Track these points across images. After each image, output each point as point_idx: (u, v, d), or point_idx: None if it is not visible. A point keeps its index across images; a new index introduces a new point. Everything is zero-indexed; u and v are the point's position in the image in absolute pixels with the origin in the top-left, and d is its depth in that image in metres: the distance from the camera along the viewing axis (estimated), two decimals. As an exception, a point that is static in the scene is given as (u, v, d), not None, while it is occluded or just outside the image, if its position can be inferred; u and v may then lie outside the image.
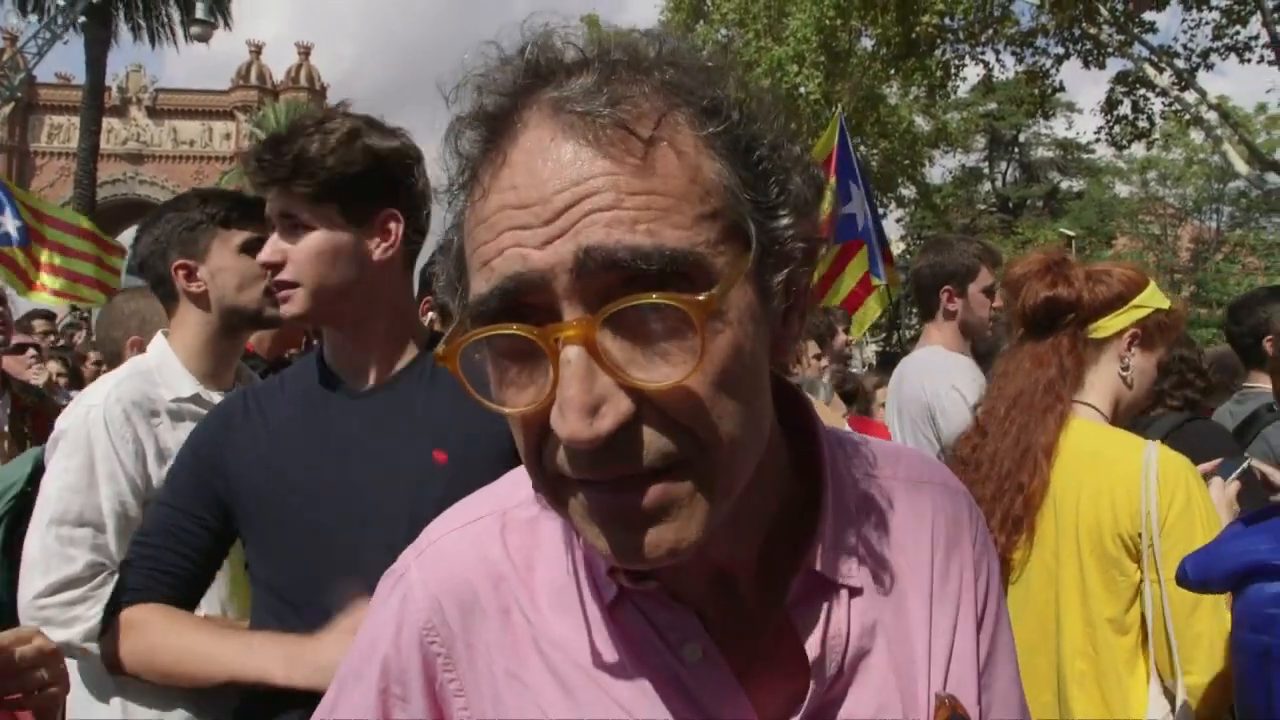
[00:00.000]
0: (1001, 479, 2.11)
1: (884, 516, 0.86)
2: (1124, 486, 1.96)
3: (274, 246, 1.68)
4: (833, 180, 5.88)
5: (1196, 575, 1.58)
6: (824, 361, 4.82)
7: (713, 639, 0.78)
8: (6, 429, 3.54)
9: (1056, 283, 2.16)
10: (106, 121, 30.47)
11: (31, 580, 1.95)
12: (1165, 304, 2.17)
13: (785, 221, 0.69)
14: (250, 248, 2.19)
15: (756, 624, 0.80)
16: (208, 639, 1.63)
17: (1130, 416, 2.25)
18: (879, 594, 0.83)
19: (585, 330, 0.62)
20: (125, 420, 2.05)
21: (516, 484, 0.88)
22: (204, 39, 16.10)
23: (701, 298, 0.62)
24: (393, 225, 1.72)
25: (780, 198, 0.69)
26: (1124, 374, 2.16)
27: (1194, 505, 1.91)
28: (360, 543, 1.59)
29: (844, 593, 0.81)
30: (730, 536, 0.75)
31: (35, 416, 3.54)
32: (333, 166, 1.63)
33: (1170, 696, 1.91)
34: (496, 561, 0.84)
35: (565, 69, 0.68)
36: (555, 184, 0.63)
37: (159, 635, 1.64)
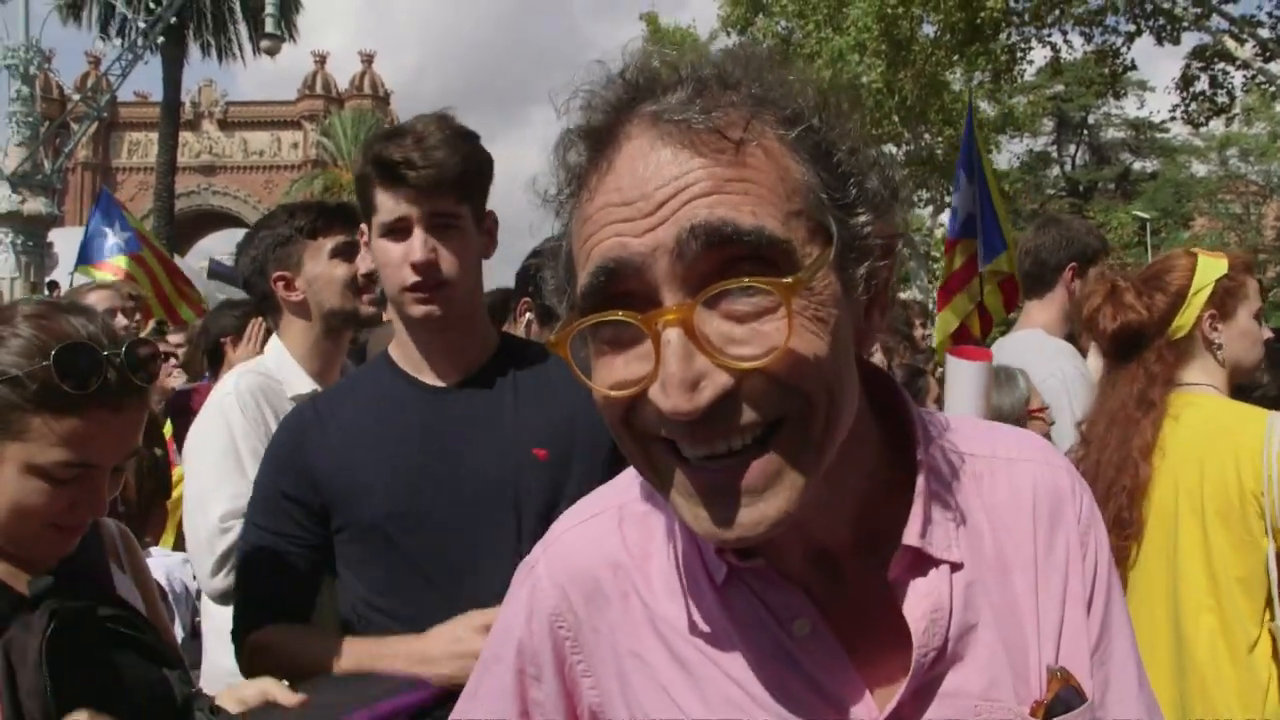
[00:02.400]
0: (1108, 485, 2.18)
1: (982, 493, 0.88)
2: (1248, 450, 2.03)
3: (427, 244, 1.66)
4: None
5: None
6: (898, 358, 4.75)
7: (821, 615, 0.82)
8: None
9: (1116, 314, 2.25)
10: (181, 136, 31.56)
11: (203, 563, 2.12)
12: (1221, 269, 2.22)
13: (863, 219, 0.75)
14: (339, 252, 2.36)
15: (862, 600, 0.83)
16: (324, 653, 1.65)
17: (1251, 375, 2.33)
18: (982, 569, 0.85)
19: (684, 314, 0.68)
20: (255, 405, 2.23)
21: (631, 481, 0.95)
22: (273, 53, 16.56)
23: (789, 280, 0.68)
24: (493, 226, 1.80)
25: (859, 197, 0.75)
26: (1219, 352, 2.21)
27: None
28: (462, 543, 1.62)
29: (945, 567, 0.83)
30: (829, 514, 0.80)
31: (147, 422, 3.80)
32: (470, 168, 1.69)
33: None
34: (615, 551, 0.91)
35: (662, 85, 0.74)
36: (656, 181, 0.70)
37: (284, 656, 1.68)
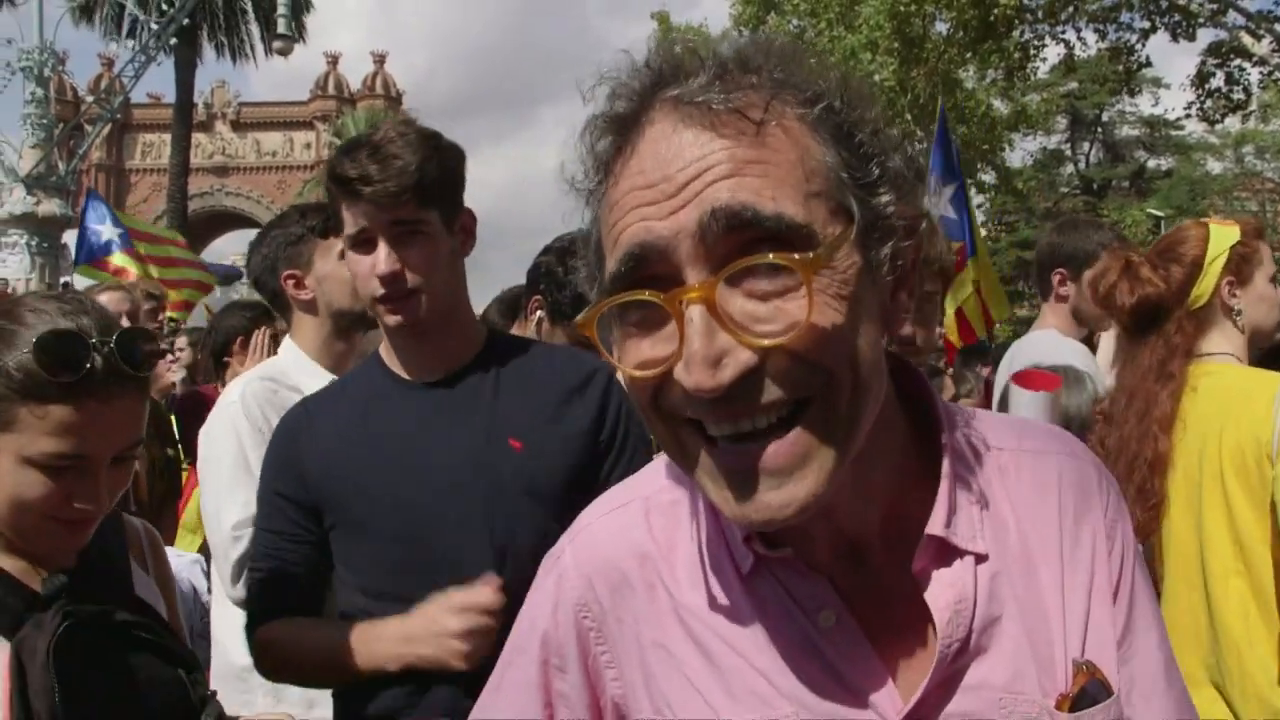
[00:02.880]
0: (1131, 458, 2.20)
1: (1008, 485, 0.87)
2: (1262, 412, 2.05)
3: (390, 257, 1.69)
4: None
5: None
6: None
7: (845, 606, 0.82)
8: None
9: (1134, 289, 2.26)
10: (194, 137, 31.75)
11: (222, 571, 2.17)
12: (1234, 236, 2.23)
13: (885, 199, 0.75)
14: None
15: (887, 591, 0.83)
16: (323, 640, 1.72)
17: (1271, 338, 2.34)
18: (1007, 561, 0.84)
19: (706, 292, 0.69)
20: (261, 413, 2.25)
21: (658, 472, 0.94)
22: (285, 53, 16.65)
23: (810, 255, 0.69)
24: (470, 223, 1.81)
25: (881, 177, 0.75)
26: (1238, 319, 2.23)
27: None
28: (440, 531, 1.66)
29: (969, 559, 0.83)
30: (855, 504, 0.79)
31: (153, 420, 3.85)
32: (430, 173, 1.69)
33: None
34: (641, 542, 0.90)
35: (685, 71, 0.75)
36: (678, 163, 0.71)
37: (289, 647, 1.75)
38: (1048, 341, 3.34)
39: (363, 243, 1.71)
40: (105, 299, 3.89)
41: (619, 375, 0.77)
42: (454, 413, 1.74)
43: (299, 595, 1.76)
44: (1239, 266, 2.22)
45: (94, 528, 1.35)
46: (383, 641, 1.63)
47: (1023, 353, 3.41)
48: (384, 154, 1.67)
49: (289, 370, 2.38)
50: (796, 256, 0.68)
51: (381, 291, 1.69)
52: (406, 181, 1.66)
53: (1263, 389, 2.09)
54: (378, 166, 1.67)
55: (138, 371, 1.30)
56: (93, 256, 8.43)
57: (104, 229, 8.45)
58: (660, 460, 0.95)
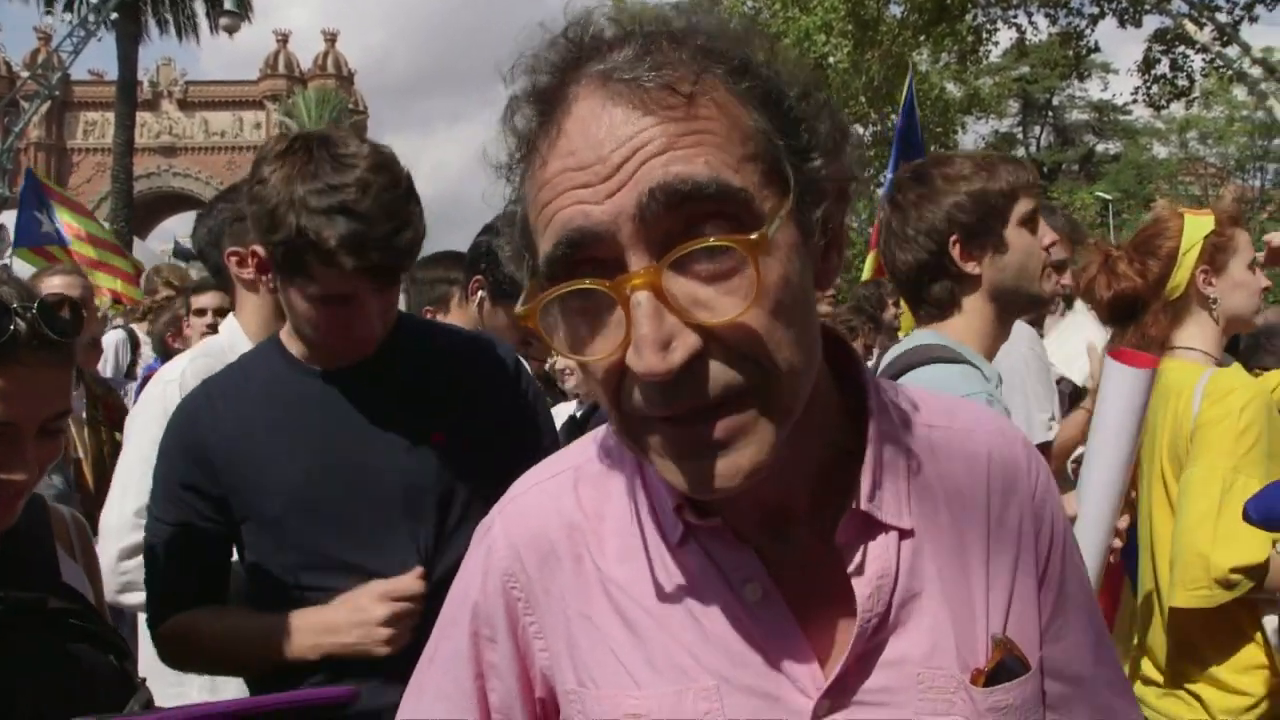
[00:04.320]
0: None
1: (936, 462, 0.87)
2: (1186, 406, 2.14)
3: (370, 320, 1.61)
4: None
5: (1258, 515, 1.58)
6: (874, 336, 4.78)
7: (771, 579, 0.82)
8: (84, 416, 3.79)
9: (1111, 283, 2.31)
10: (139, 116, 30.87)
11: (109, 547, 2.06)
12: (1208, 226, 2.27)
13: (817, 163, 0.76)
14: None
15: (812, 565, 0.83)
16: (234, 630, 1.66)
17: (1250, 324, 2.39)
18: (932, 537, 0.84)
19: (651, 277, 0.68)
20: None
21: (590, 443, 0.94)
22: (232, 30, 16.25)
23: (754, 236, 0.68)
24: None
25: (811, 141, 0.76)
26: (1214, 307, 2.26)
27: (1226, 414, 2.07)
28: (362, 525, 1.62)
29: (893, 534, 0.83)
30: (783, 476, 0.78)
31: (105, 405, 3.76)
32: (418, 241, 1.61)
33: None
34: (569, 512, 0.90)
35: (607, 43, 0.74)
36: (610, 143, 0.69)
37: (197, 639, 1.68)
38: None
39: (333, 301, 1.57)
40: (58, 282, 3.78)
41: (566, 363, 0.76)
42: (370, 404, 1.67)
43: (203, 588, 1.70)
44: (1213, 256, 2.24)
45: (22, 502, 1.32)
46: (302, 632, 1.59)
47: None
48: (384, 228, 1.51)
49: (229, 350, 2.28)
50: (739, 238, 0.68)
51: (345, 344, 1.63)
52: (406, 256, 1.59)
53: (1188, 383, 2.16)
54: (379, 245, 1.51)
55: (62, 338, 1.28)
56: (33, 242, 8.21)
57: (43, 218, 8.24)
58: (593, 432, 0.95)
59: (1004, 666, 0.83)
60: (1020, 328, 3.25)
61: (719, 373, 0.69)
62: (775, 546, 0.84)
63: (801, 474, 0.83)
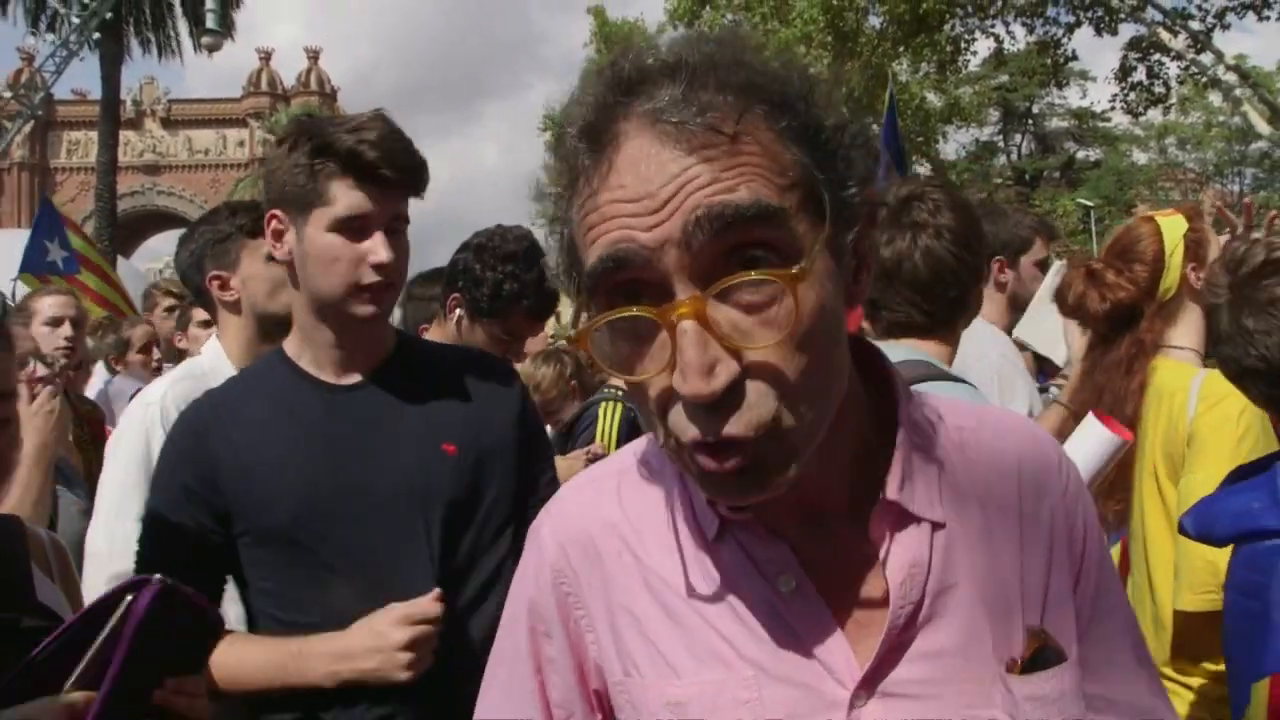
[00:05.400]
0: None
1: (966, 460, 0.90)
2: (1182, 405, 2.14)
3: (389, 247, 1.62)
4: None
5: (1196, 530, 1.60)
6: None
7: (806, 572, 0.85)
8: (70, 438, 3.83)
9: (1104, 295, 2.31)
10: (123, 134, 30.71)
11: (96, 572, 2.02)
12: (1183, 224, 2.30)
13: (853, 190, 0.80)
14: None
15: (846, 558, 0.86)
16: (241, 654, 1.61)
17: None
18: (965, 530, 0.87)
19: (696, 306, 0.73)
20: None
21: (635, 451, 1.00)
22: (214, 49, 16.24)
23: (794, 270, 0.73)
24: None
25: (847, 170, 0.80)
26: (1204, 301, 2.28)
27: (1224, 420, 2.06)
28: (377, 543, 1.61)
29: (926, 525, 0.86)
30: (818, 474, 0.82)
31: (90, 423, 3.73)
32: (425, 173, 1.67)
33: None
34: (610, 512, 0.95)
35: (653, 79, 0.78)
36: (659, 180, 0.74)
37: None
38: (981, 327, 3.12)
39: (352, 229, 1.61)
40: (48, 302, 3.79)
41: (618, 381, 0.81)
42: (380, 418, 1.67)
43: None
44: (1196, 251, 2.29)
45: None
46: (317, 659, 1.55)
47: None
48: (397, 143, 1.61)
49: (210, 372, 2.28)
50: (780, 272, 0.73)
51: (372, 280, 1.61)
52: (421, 175, 1.64)
53: (1181, 384, 2.19)
54: (397, 152, 1.60)
55: None
56: (37, 270, 8.18)
57: (52, 247, 8.20)
58: (635, 441, 1.01)
59: (1041, 656, 0.84)
60: (995, 335, 3.21)
61: (756, 394, 0.74)
62: (810, 540, 0.87)
63: (835, 471, 0.86)
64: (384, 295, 1.65)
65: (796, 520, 0.87)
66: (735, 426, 0.74)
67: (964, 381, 1.80)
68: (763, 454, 0.75)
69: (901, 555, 0.84)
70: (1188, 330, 2.31)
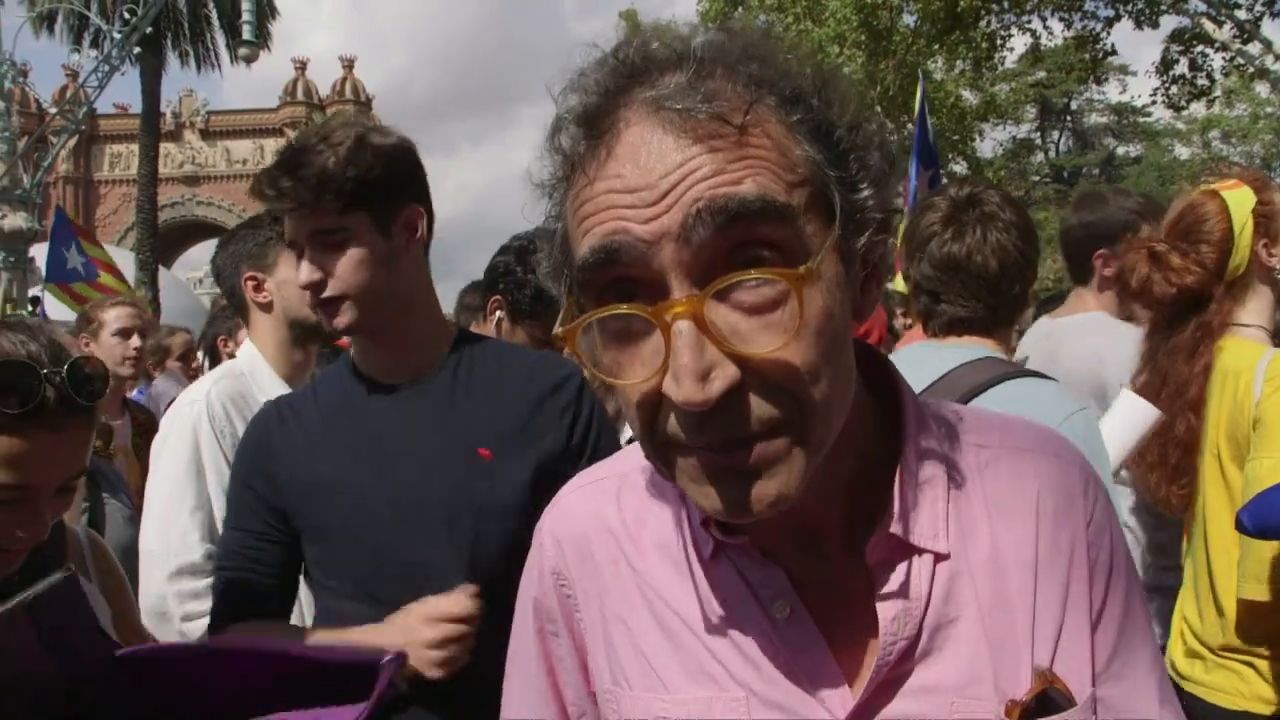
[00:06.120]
0: (1164, 439, 2.20)
1: (985, 483, 0.85)
2: (1247, 386, 2.07)
3: (309, 267, 1.68)
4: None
5: (1254, 525, 1.53)
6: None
7: (801, 598, 0.81)
8: (129, 445, 3.90)
9: (1171, 279, 2.20)
10: (163, 147, 31.40)
11: (153, 572, 2.08)
12: (1251, 197, 2.18)
13: (865, 193, 0.75)
14: None
15: (843, 585, 0.82)
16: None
17: None
18: (973, 561, 0.81)
19: (694, 306, 0.67)
20: (225, 416, 2.21)
21: (636, 452, 0.93)
22: (250, 60, 16.45)
23: (800, 271, 0.67)
24: (417, 220, 1.75)
25: (860, 173, 0.74)
26: (1278, 277, 2.20)
27: None
28: (401, 540, 1.63)
29: (928, 556, 0.80)
30: (816, 495, 0.77)
31: (147, 433, 3.81)
32: (353, 175, 1.64)
33: None
34: (609, 517, 0.92)
35: (658, 67, 0.72)
36: (660, 170, 0.68)
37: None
38: (1104, 324, 2.88)
39: (297, 250, 1.71)
40: (117, 313, 3.84)
41: (598, 385, 0.75)
42: (421, 417, 1.70)
43: (266, 597, 1.73)
44: (1266, 226, 2.18)
45: (28, 550, 1.32)
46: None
47: (1071, 333, 2.91)
48: (297, 163, 1.64)
49: (247, 372, 2.36)
50: (785, 271, 0.67)
51: (311, 299, 1.71)
52: (327, 188, 1.62)
53: (1248, 364, 2.10)
54: (290, 178, 1.63)
55: (90, 400, 1.27)
56: (60, 279, 8.36)
57: (70, 255, 8.37)
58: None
59: (1045, 700, 0.78)
60: (1130, 330, 2.67)
61: (756, 405, 0.69)
62: (806, 563, 0.82)
63: (833, 493, 0.81)
64: (335, 310, 1.68)
65: (792, 543, 0.83)
66: (733, 430, 0.69)
67: (1047, 378, 1.74)
68: (767, 455, 0.70)
69: (897, 587, 0.80)
70: (1257, 307, 2.22)
